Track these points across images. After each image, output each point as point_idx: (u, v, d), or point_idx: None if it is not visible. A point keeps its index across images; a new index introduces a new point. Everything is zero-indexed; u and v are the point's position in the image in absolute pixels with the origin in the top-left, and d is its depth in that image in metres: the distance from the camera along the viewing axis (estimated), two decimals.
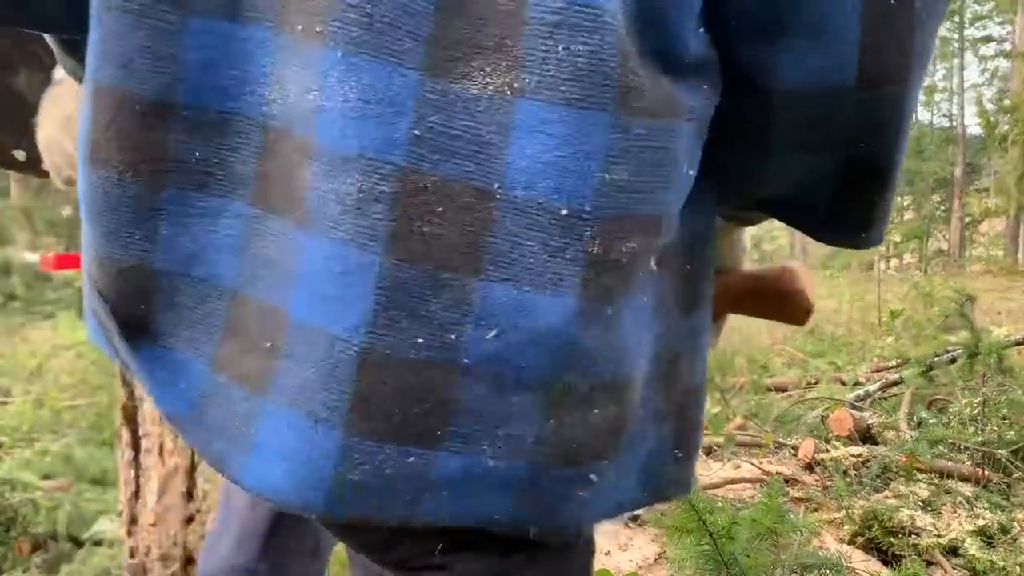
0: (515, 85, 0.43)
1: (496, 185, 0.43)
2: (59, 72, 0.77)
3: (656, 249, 0.49)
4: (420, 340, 0.44)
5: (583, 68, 0.42)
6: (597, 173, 0.44)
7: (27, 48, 0.87)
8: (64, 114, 0.72)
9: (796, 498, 2.79)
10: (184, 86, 0.47)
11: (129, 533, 1.58)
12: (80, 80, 0.60)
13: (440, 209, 0.43)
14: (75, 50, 0.59)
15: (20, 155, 0.90)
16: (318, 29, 0.43)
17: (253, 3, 0.46)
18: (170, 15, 0.46)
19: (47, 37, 0.62)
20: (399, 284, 0.44)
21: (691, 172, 0.49)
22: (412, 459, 0.46)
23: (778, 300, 0.71)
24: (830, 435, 3.25)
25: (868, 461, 2.88)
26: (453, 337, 0.44)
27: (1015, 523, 2.31)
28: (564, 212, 0.43)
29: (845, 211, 0.56)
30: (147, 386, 0.52)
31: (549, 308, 0.44)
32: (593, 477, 0.50)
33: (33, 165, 0.90)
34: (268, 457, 0.47)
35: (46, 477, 2.92)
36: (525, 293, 0.44)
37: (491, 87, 0.43)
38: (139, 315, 0.50)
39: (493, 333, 0.44)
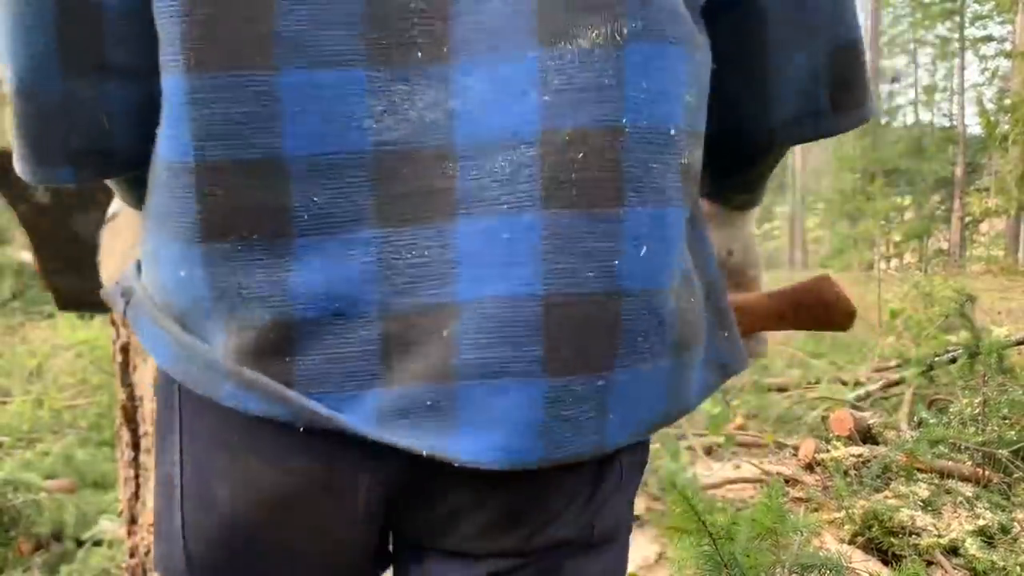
0: (623, 31, 0.50)
1: (623, 120, 0.50)
2: (114, 206, 0.76)
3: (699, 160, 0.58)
4: (590, 275, 0.51)
5: (670, 11, 0.52)
6: (684, 96, 0.53)
7: (82, 189, 0.87)
8: (127, 244, 0.74)
9: (796, 498, 2.79)
10: (289, 141, 0.51)
11: (129, 533, 1.58)
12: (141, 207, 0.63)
13: (581, 155, 0.50)
14: (138, 184, 0.62)
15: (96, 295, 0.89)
16: (444, 50, 0.51)
17: (336, 50, 0.50)
18: (264, 78, 0.50)
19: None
20: (561, 232, 0.50)
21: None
22: (600, 383, 0.52)
23: (823, 310, 0.74)
24: (830, 435, 3.25)
25: (868, 461, 2.88)
26: (615, 263, 0.51)
27: (1015, 523, 2.31)
28: (672, 132, 0.52)
29: (843, 95, 0.63)
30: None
31: (675, 218, 0.54)
32: (697, 360, 0.60)
33: (101, 305, 0.89)
34: (479, 430, 0.52)
35: (48, 477, 2.92)
36: (659, 209, 0.52)
37: (601, 38, 0.50)
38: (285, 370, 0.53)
39: (644, 251, 0.52)
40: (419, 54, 0.51)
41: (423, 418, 0.52)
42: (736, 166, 0.70)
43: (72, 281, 0.87)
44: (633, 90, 0.50)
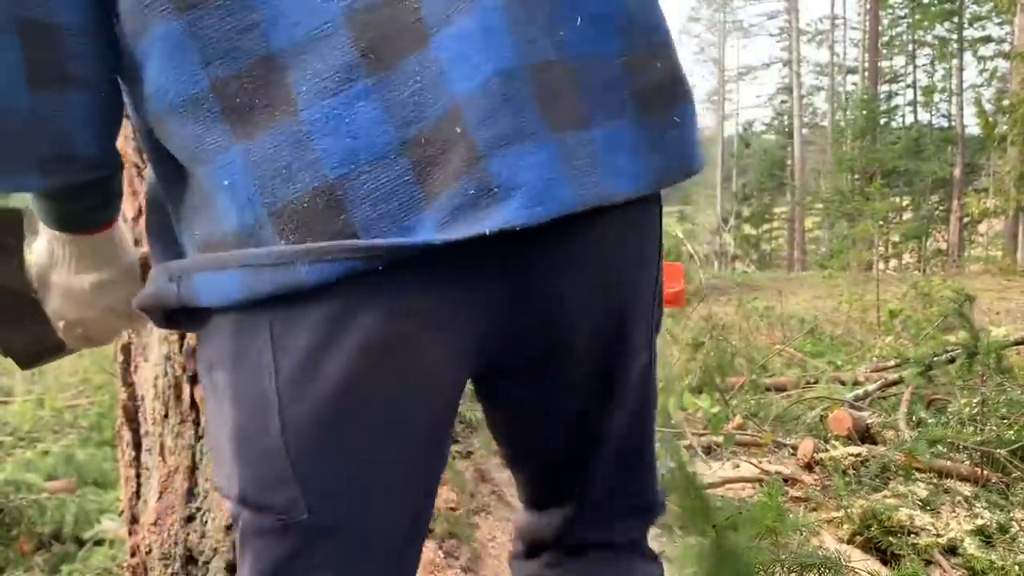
0: None
1: None
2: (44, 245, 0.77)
3: None
4: (548, 43, 0.60)
5: None
6: None
7: None
8: (125, 263, 0.78)
9: (795, 497, 2.79)
10: (273, 38, 0.59)
11: (130, 532, 1.59)
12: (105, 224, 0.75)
13: None
14: (110, 192, 0.72)
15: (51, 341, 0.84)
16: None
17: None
18: None
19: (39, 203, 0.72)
20: (517, 12, 0.59)
21: None
22: (593, 134, 0.61)
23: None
24: (829, 435, 3.26)
25: (867, 461, 2.89)
26: (562, 34, 0.60)
27: (1014, 522, 2.31)
28: None
29: None
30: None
31: None
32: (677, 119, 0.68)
33: (60, 347, 0.85)
34: (509, 197, 0.58)
35: (50, 478, 2.92)
36: None
37: None
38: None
39: (579, 22, 0.61)
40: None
41: (474, 208, 0.58)
42: None
43: (20, 336, 0.82)
44: None
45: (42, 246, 0.77)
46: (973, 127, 20.71)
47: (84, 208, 0.72)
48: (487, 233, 0.57)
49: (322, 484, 0.64)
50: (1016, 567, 2.06)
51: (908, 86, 28.07)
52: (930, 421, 3.22)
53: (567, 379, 0.73)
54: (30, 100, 0.60)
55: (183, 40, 0.59)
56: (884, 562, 2.28)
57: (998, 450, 2.76)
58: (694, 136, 0.70)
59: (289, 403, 0.62)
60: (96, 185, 0.69)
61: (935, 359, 3.73)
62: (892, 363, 4.43)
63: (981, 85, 24.66)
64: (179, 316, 0.68)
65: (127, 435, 1.58)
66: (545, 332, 0.68)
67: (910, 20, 26.71)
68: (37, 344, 0.83)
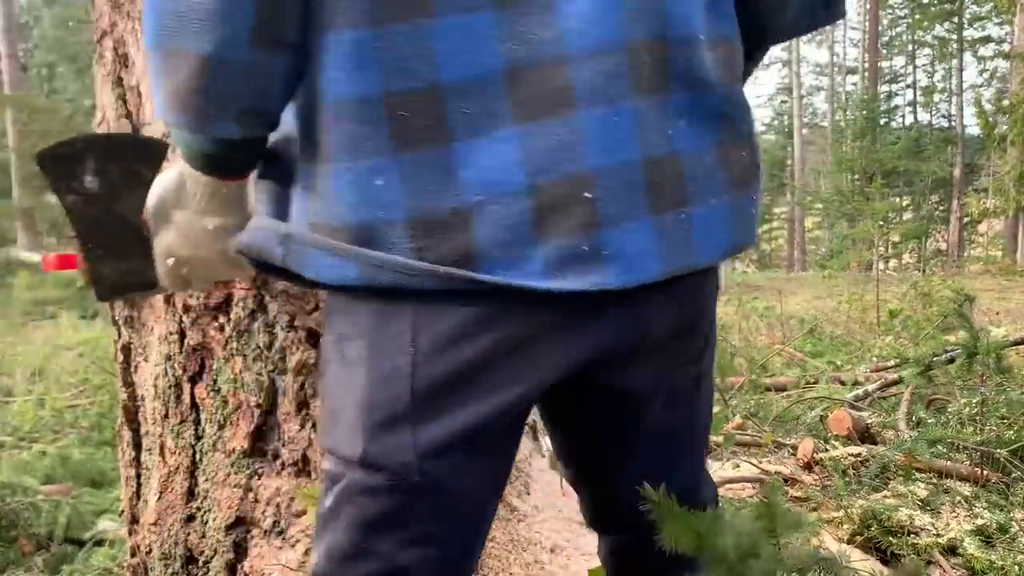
0: None
1: (666, 32, 0.75)
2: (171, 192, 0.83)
3: None
4: (663, 140, 0.74)
5: None
6: (703, 9, 0.77)
7: (129, 168, 0.87)
8: (247, 212, 0.84)
9: (795, 497, 2.79)
10: (443, 72, 0.68)
11: (130, 532, 1.59)
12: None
13: (647, 59, 0.73)
14: (259, 147, 0.80)
15: (151, 276, 0.89)
16: None
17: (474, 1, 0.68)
18: (426, 24, 0.67)
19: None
20: (645, 114, 0.73)
21: None
22: (682, 216, 0.75)
23: None
24: (829, 435, 3.25)
25: (867, 461, 2.89)
26: (670, 132, 0.75)
27: (1014, 523, 2.31)
28: (701, 36, 0.77)
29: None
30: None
31: (714, 99, 0.79)
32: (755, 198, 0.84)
33: (151, 285, 0.89)
34: (612, 263, 0.72)
35: (48, 480, 2.91)
36: (699, 94, 0.77)
37: None
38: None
39: (684, 123, 0.76)
40: None
41: (582, 263, 0.70)
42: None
43: (114, 267, 0.87)
44: (670, 8, 0.73)
45: (170, 182, 0.84)
46: (973, 127, 20.71)
47: (238, 157, 0.79)
48: (587, 290, 0.71)
49: (435, 448, 0.75)
50: (1016, 567, 2.06)
51: (908, 86, 28.07)
52: (930, 421, 3.22)
53: (647, 387, 0.85)
54: (249, 55, 0.67)
55: (367, 48, 0.67)
56: (884, 562, 2.28)
57: (998, 450, 2.75)
58: (758, 211, 0.86)
59: (420, 378, 0.73)
60: (261, 140, 0.78)
61: (935, 359, 3.72)
62: (892, 363, 4.43)
63: (981, 85, 24.67)
64: (275, 270, 0.78)
65: (127, 435, 1.58)
66: (635, 350, 0.80)
67: (910, 20, 26.71)
68: (128, 278, 0.89)
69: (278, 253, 0.76)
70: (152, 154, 0.87)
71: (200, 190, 0.81)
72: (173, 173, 0.84)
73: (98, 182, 0.84)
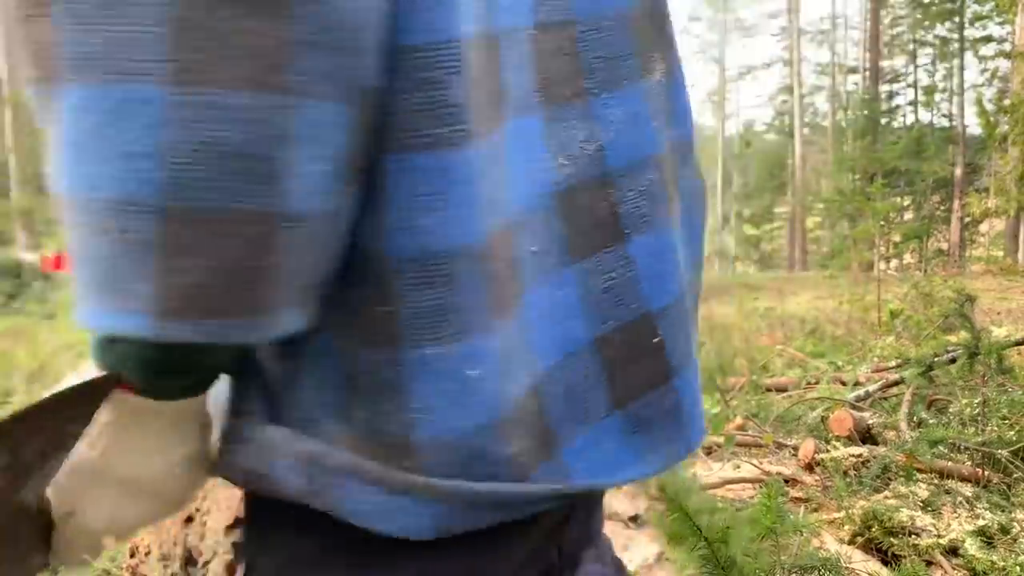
0: (670, 65, 0.61)
1: (688, 135, 0.64)
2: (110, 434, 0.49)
3: None
4: (692, 274, 0.64)
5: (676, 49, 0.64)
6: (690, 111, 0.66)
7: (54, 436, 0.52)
8: (186, 451, 0.51)
9: (796, 498, 2.79)
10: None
11: None
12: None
13: (671, 172, 0.61)
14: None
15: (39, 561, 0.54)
16: (581, 85, 0.54)
17: (525, 102, 0.51)
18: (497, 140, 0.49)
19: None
20: (683, 244, 0.62)
21: None
22: (694, 382, 0.61)
23: None
24: (830, 435, 3.25)
25: (868, 461, 2.89)
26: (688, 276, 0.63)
27: (1015, 523, 2.31)
28: (693, 138, 0.66)
29: None
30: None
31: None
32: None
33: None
34: (692, 421, 0.59)
35: None
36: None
37: (661, 73, 0.59)
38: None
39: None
40: (566, 91, 0.53)
41: (661, 422, 0.58)
42: None
43: (11, 570, 0.57)
44: (677, 108, 0.62)
45: (96, 435, 0.50)
46: (974, 127, 20.70)
47: (226, 359, 0.49)
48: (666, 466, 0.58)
49: None
50: (1017, 568, 2.06)
51: (909, 86, 28.05)
52: (931, 421, 3.22)
53: None
54: (334, 204, 0.41)
55: (457, 180, 0.43)
56: (885, 563, 2.28)
57: (999, 451, 2.75)
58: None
59: None
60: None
61: (936, 359, 3.72)
62: (893, 363, 4.42)
63: (982, 85, 24.65)
64: (282, 506, 0.49)
65: None
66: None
67: (911, 20, 26.71)
68: (6, 567, 0.54)
69: (296, 484, 0.48)
70: (86, 398, 0.51)
71: (160, 423, 0.49)
72: (102, 422, 0.49)
73: (6, 459, 0.51)
